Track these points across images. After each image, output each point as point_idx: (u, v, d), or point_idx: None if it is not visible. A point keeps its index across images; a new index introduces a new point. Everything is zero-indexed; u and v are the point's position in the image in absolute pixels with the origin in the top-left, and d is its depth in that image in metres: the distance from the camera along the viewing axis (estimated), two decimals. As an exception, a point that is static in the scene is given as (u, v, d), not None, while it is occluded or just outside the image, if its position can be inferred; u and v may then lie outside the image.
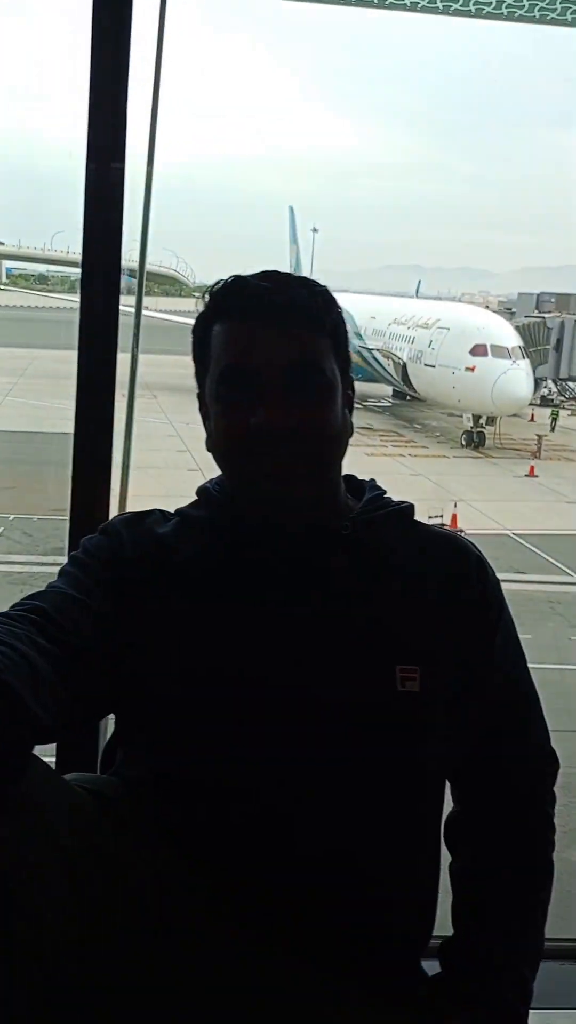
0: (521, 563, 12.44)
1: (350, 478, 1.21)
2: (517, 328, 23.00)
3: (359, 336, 27.96)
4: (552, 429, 23.32)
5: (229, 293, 1.11)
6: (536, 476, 18.24)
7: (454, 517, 13.31)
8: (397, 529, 1.17)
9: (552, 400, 25.66)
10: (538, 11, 1.92)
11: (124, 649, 1.06)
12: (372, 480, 1.24)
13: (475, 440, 20.06)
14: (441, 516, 13.58)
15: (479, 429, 20.41)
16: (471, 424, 20.53)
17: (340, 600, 1.10)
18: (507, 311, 27.97)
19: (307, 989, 1.01)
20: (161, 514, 1.20)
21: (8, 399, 22.31)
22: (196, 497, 1.21)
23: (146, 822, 1.02)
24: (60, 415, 20.17)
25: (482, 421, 20.49)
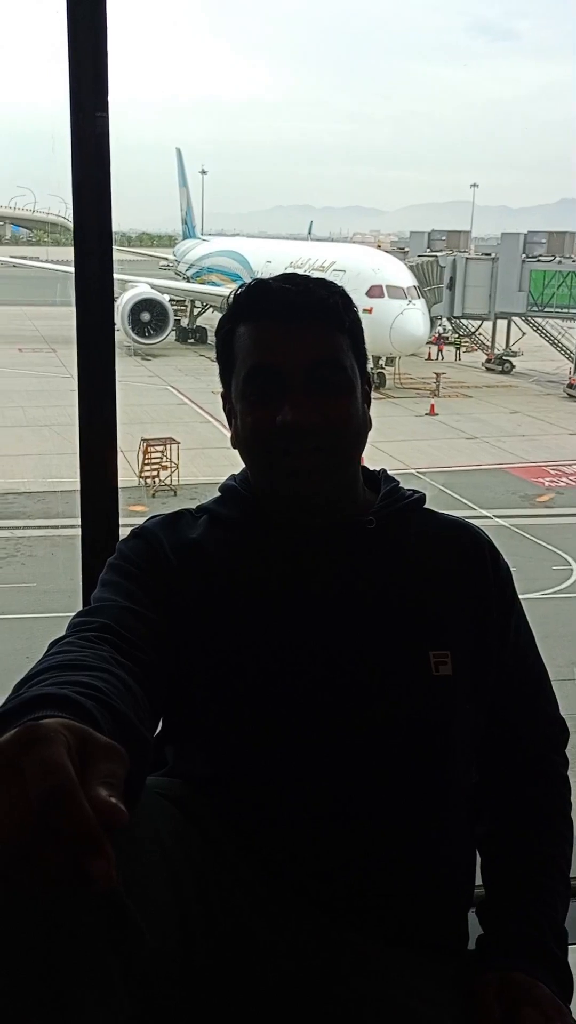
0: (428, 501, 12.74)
1: (363, 469, 1.25)
2: (410, 268, 23.18)
3: (255, 281, 27.61)
4: (458, 359, 23.66)
5: (252, 296, 1.15)
6: (436, 415, 18.65)
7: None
8: (414, 519, 1.22)
9: (447, 338, 26.07)
10: None
11: (175, 653, 1.08)
12: (384, 470, 1.28)
13: (375, 381, 20.28)
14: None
15: (378, 370, 20.61)
16: (371, 365, 20.73)
17: (371, 592, 1.13)
18: (400, 250, 28.06)
19: (369, 958, 1.05)
20: (190, 514, 1.22)
21: None
22: (219, 493, 1.23)
23: (210, 818, 1.04)
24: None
25: (381, 362, 20.74)
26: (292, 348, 1.11)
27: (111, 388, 1.62)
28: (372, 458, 1.26)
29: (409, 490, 1.25)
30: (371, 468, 1.29)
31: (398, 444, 15.07)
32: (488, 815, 1.24)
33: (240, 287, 1.18)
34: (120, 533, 1.59)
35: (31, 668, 0.91)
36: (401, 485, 1.26)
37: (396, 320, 19.96)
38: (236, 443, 1.17)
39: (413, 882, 1.10)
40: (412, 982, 1.04)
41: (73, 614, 1.07)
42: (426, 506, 1.25)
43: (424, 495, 1.26)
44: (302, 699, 1.08)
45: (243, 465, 1.20)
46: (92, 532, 1.67)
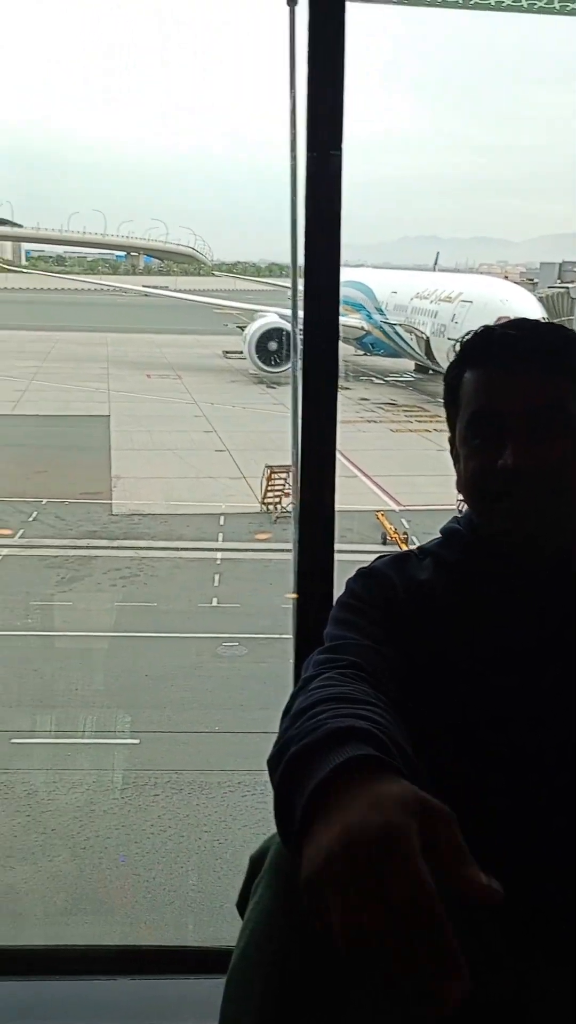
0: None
1: None
2: (540, 299, 22.72)
3: (380, 311, 27.71)
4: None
5: (477, 342, 1.19)
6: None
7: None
8: None
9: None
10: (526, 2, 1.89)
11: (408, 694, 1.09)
12: None
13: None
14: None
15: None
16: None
17: None
18: (528, 281, 27.59)
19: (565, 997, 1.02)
20: (416, 556, 1.24)
21: (34, 383, 22.45)
22: (440, 536, 1.25)
23: None
24: (84, 398, 20.35)
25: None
26: (514, 393, 1.13)
27: (332, 419, 1.66)
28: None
29: None
30: None
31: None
32: None
33: (468, 334, 1.21)
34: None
35: (295, 700, 0.95)
36: None
37: (523, 351, 19.57)
38: (460, 487, 1.20)
39: None
40: None
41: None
42: None
43: None
44: (519, 746, 1.07)
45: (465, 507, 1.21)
46: (309, 562, 1.72)
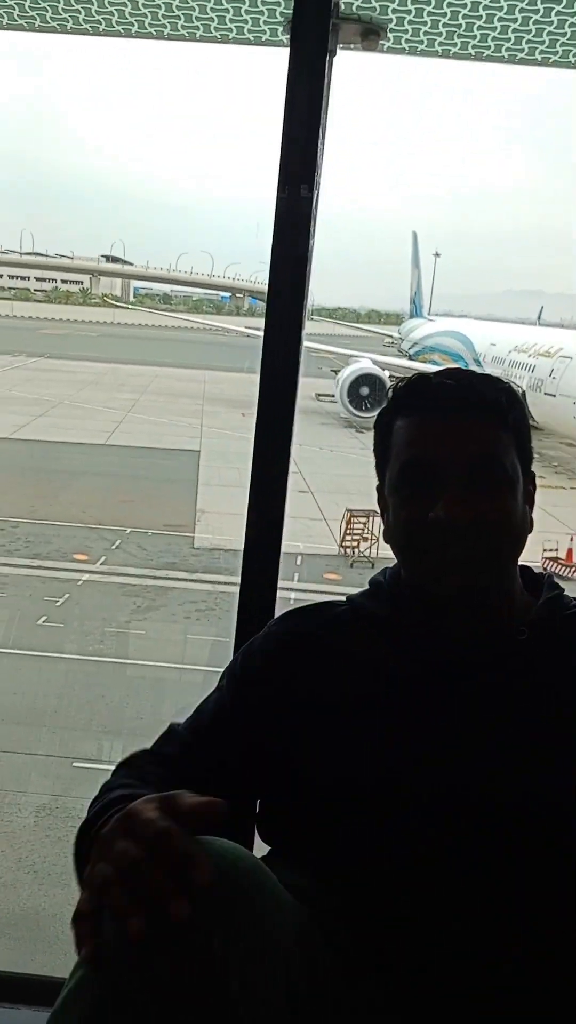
0: None
1: (526, 571, 1.19)
2: None
3: (478, 363, 27.56)
4: None
5: (411, 390, 1.15)
6: None
7: (569, 552, 12.90)
8: (575, 631, 1.13)
9: None
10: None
11: (284, 741, 1.09)
12: (551, 576, 1.21)
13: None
14: (556, 550, 13.20)
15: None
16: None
17: (512, 704, 1.06)
18: None
19: None
20: (334, 605, 1.21)
21: (130, 415, 23.05)
22: (367, 586, 1.21)
23: (334, 921, 0.99)
24: (177, 432, 20.79)
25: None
26: (449, 443, 1.08)
27: (286, 454, 1.63)
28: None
29: (575, 599, 1.17)
30: (536, 571, 1.20)
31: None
32: None
33: (400, 381, 1.16)
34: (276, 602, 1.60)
35: (105, 784, 1.09)
36: (565, 593, 1.17)
37: (623, 411, 19.14)
38: (388, 537, 1.14)
39: (531, 1010, 0.99)
40: None
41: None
42: None
43: None
44: (424, 810, 1.01)
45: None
46: (249, 595, 1.67)
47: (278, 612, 1.31)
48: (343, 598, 1.21)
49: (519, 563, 1.15)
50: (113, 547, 12.77)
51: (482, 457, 1.08)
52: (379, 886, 1.01)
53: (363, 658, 1.12)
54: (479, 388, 1.12)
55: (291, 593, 10.64)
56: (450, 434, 1.08)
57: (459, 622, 1.09)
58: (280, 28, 1.57)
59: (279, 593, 1.65)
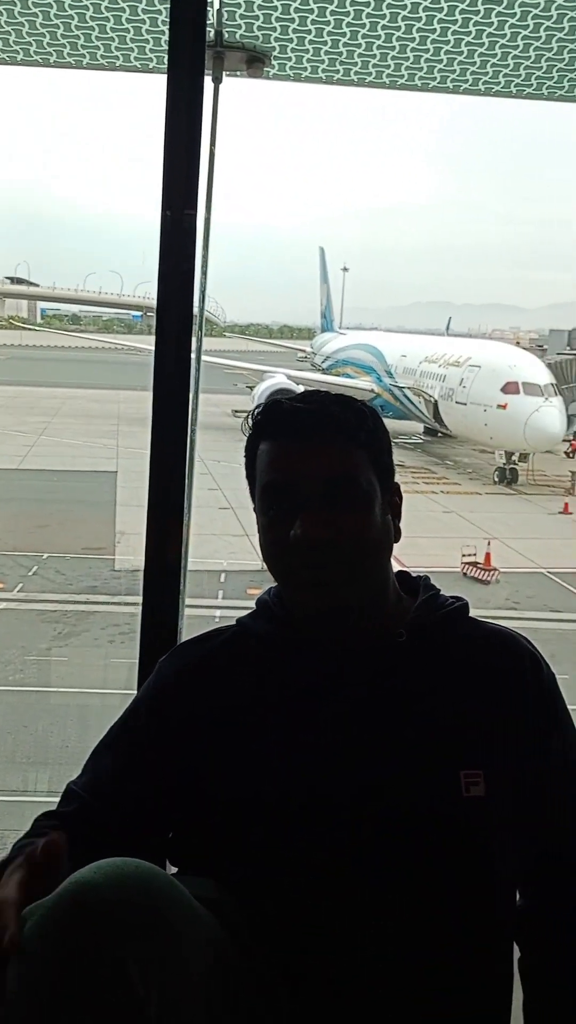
0: (557, 601, 12.25)
1: (403, 576, 1.23)
2: (549, 365, 22.95)
3: (390, 374, 28.07)
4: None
5: (266, 415, 1.18)
6: (571, 513, 18.06)
7: (487, 556, 13.13)
8: (452, 630, 1.18)
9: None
10: (546, 89, 1.99)
11: (189, 772, 1.12)
12: (426, 578, 1.25)
13: (508, 477, 19.99)
14: (474, 555, 13.41)
15: (511, 466, 20.31)
16: (504, 461, 20.45)
17: (399, 708, 1.11)
18: (539, 348, 27.98)
19: None
20: (223, 630, 1.24)
21: (42, 438, 22.63)
22: (255, 607, 1.25)
23: (246, 932, 1.04)
24: (93, 454, 20.48)
25: (515, 458, 20.40)
26: (305, 465, 1.12)
27: (182, 470, 1.63)
28: (500, 554, 1.20)
29: (451, 598, 1.22)
30: (414, 575, 1.24)
31: (527, 542, 14.59)
32: (535, 946, 1.15)
33: (256, 408, 1.20)
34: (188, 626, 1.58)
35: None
36: (442, 593, 1.22)
37: (531, 417, 19.69)
38: (263, 558, 1.17)
39: (445, 1009, 1.05)
40: None
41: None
42: (471, 614, 1.20)
43: (466, 603, 1.22)
44: (319, 819, 1.05)
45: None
46: (152, 618, 1.64)
47: (191, 632, 1.31)
48: (234, 622, 1.24)
49: (397, 568, 1.20)
50: (30, 573, 12.46)
51: (337, 476, 1.11)
52: (285, 895, 1.05)
53: (252, 677, 1.15)
54: (331, 409, 1.15)
55: (216, 611, 10.59)
56: (306, 456, 1.12)
57: (336, 635, 1.13)
58: (165, 56, 1.59)
59: (204, 612, 1.62)
